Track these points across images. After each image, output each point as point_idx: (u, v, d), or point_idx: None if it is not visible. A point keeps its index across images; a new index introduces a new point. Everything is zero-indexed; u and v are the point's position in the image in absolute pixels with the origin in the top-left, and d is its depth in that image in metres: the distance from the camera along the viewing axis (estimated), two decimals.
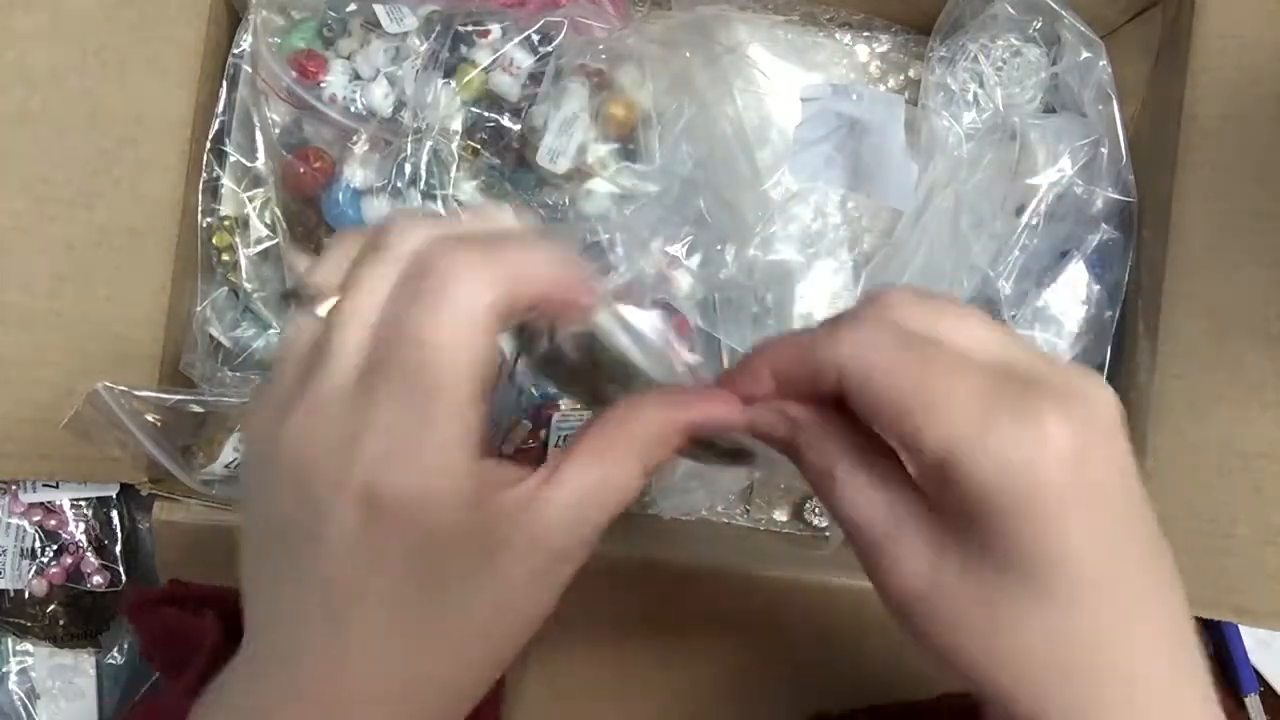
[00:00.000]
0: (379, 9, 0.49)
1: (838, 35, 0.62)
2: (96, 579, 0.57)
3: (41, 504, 0.56)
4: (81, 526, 0.57)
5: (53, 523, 0.56)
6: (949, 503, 0.25)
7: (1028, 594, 0.25)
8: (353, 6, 0.49)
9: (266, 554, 0.27)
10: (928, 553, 0.26)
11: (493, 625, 0.26)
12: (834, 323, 0.26)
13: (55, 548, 0.56)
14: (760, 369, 0.28)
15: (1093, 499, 0.25)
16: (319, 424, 0.25)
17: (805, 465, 0.28)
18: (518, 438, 0.53)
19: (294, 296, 0.27)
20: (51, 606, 0.57)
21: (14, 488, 0.56)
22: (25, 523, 0.56)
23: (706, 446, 0.31)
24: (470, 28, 0.49)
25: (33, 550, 0.56)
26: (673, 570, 0.50)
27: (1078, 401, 0.24)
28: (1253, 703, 0.65)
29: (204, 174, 0.51)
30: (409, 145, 0.48)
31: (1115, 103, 0.55)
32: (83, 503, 0.57)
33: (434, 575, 0.25)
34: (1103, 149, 0.54)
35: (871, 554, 0.27)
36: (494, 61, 0.49)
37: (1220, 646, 0.66)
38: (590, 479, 0.26)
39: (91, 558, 0.57)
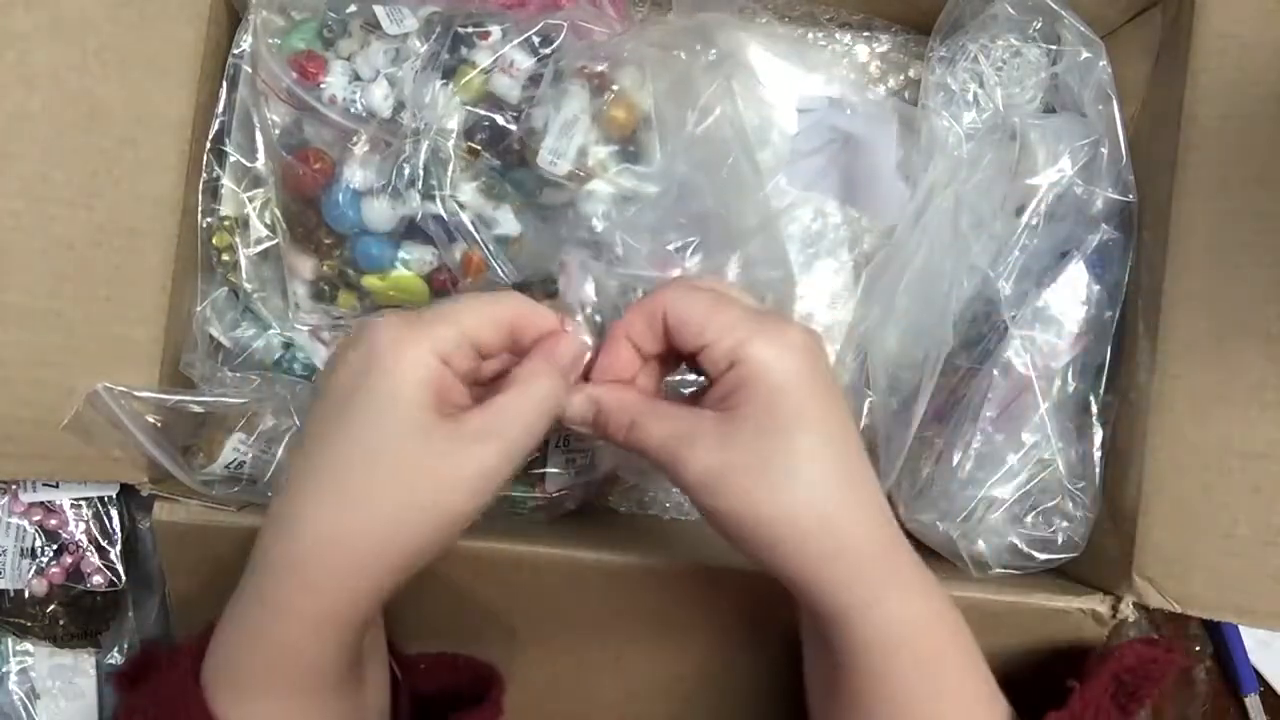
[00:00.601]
0: (379, 10, 0.49)
1: (838, 35, 0.62)
2: (96, 579, 0.57)
3: (41, 503, 0.56)
4: (81, 526, 0.57)
5: (53, 522, 0.56)
6: (730, 397, 0.37)
7: (780, 449, 0.36)
8: (353, 8, 0.49)
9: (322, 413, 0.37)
10: (717, 442, 0.37)
11: (409, 508, 0.35)
12: (656, 289, 0.40)
13: (55, 547, 0.56)
14: (618, 335, 0.40)
15: (815, 378, 0.37)
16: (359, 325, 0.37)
17: (612, 435, 0.39)
18: None
19: None
20: (51, 606, 0.57)
21: (14, 487, 0.56)
22: (25, 522, 0.56)
23: None
24: (470, 29, 0.49)
25: (33, 550, 0.56)
26: (672, 570, 0.50)
27: (802, 325, 0.38)
28: (1253, 703, 0.65)
29: (204, 174, 0.51)
30: (409, 146, 0.48)
31: (1115, 103, 0.55)
32: (83, 502, 0.57)
33: (378, 426, 0.35)
34: (1103, 149, 0.54)
35: (675, 458, 0.37)
36: (494, 63, 0.49)
37: (1220, 646, 0.66)
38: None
39: (91, 557, 0.57)
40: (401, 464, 0.35)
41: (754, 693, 0.56)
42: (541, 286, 0.50)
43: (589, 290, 0.44)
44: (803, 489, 0.36)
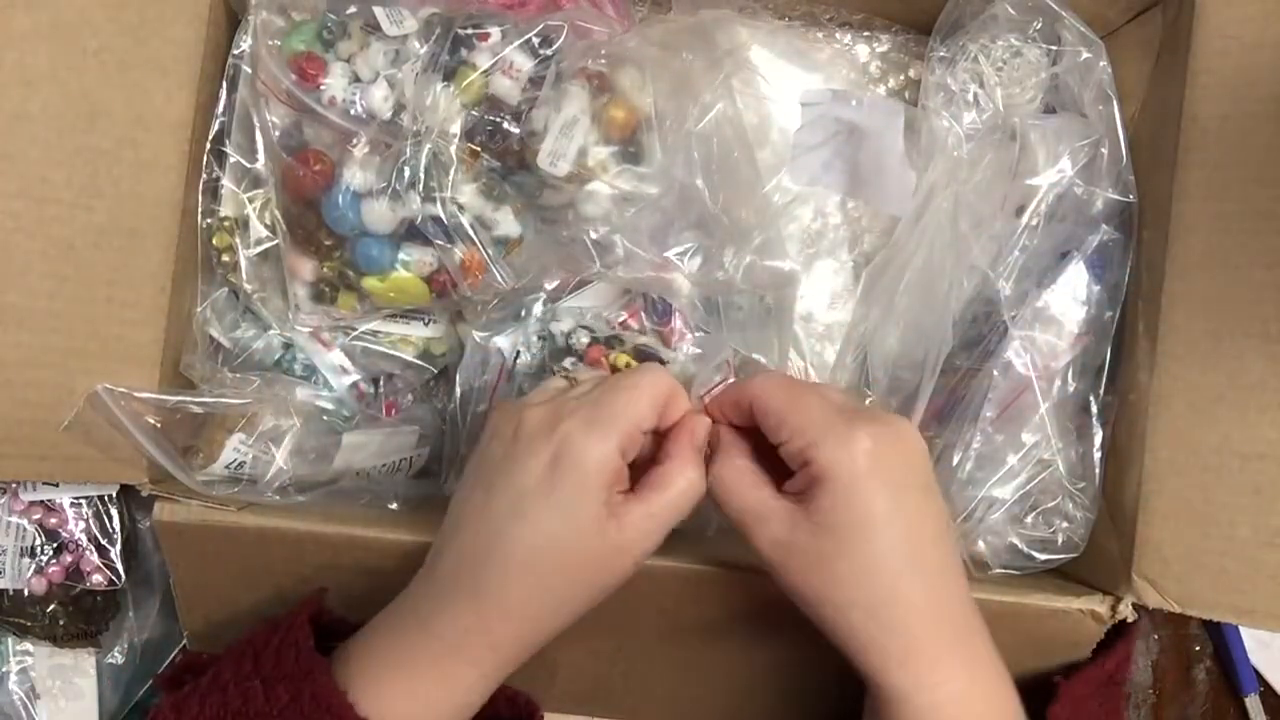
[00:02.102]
0: (379, 11, 0.49)
1: (838, 36, 0.62)
2: (96, 577, 0.57)
3: (41, 502, 0.56)
4: (81, 525, 0.57)
5: (53, 521, 0.56)
6: (802, 487, 0.41)
7: (842, 544, 0.40)
8: (352, 9, 0.49)
9: (482, 479, 0.43)
10: (786, 523, 0.41)
11: (584, 572, 0.42)
12: (753, 375, 0.46)
13: (55, 546, 0.56)
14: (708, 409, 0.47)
15: (882, 478, 0.40)
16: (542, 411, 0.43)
17: (711, 474, 0.44)
18: None
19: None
20: (51, 606, 0.57)
21: (14, 486, 0.56)
22: (25, 521, 0.56)
23: None
24: (470, 30, 0.49)
25: (32, 549, 0.56)
26: (685, 571, 0.50)
27: (880, 423, 0.41)
28: (1253, 703, 0.66)
29: (204, 175, 0.51)
30: (409, 148, 0.48)
31: (1115, 103, 0.55)
32: (83, 501, 0.57)
33: (567, 515, 0.41)
34: (1103, 149, 0.54)
35: (749, 526, 0.42)
36: (494, 64, 0.49)
37: (1220, 646, 0.66)
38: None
39: (91, 556, 0.57)
40: (585, 558, 0.41)
41: (754, 689, 0.57)
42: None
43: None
44: (857, 586, 0.40)
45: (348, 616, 0.47)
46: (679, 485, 0.42)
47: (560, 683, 0.56)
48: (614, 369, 0.53)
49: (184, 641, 0.57)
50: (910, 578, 0.40)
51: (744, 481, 0.43)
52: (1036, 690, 0.49)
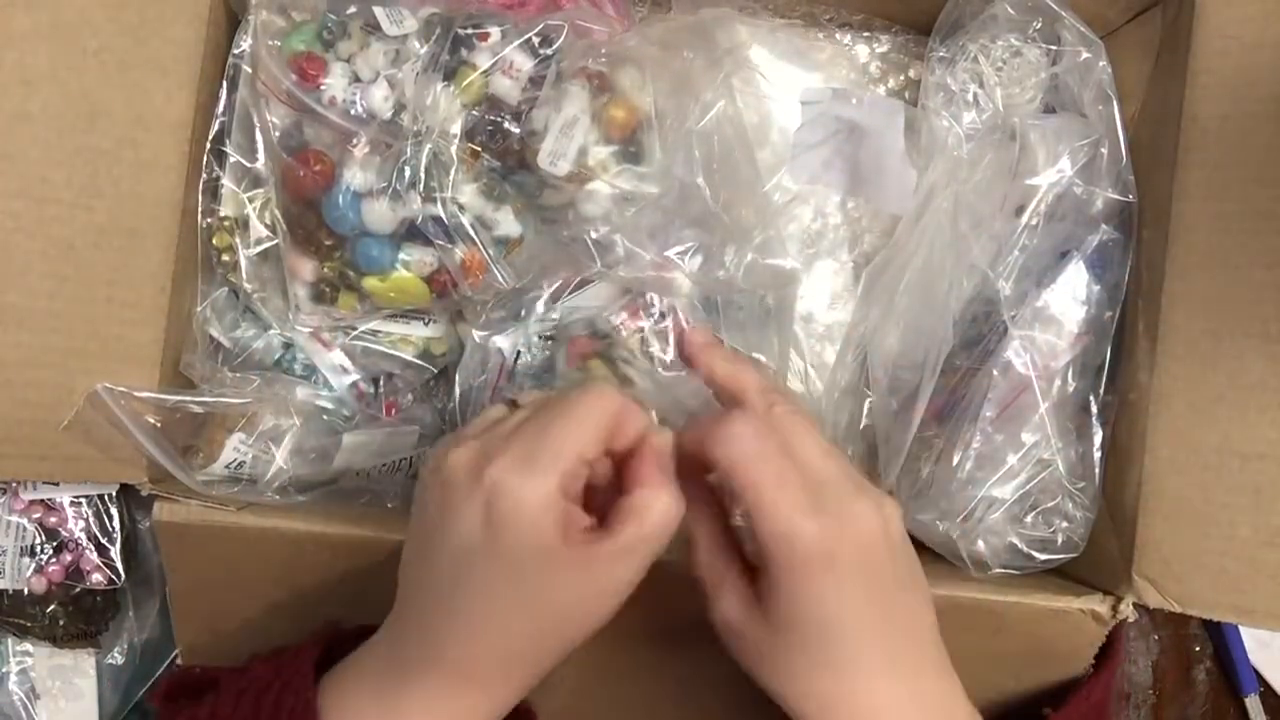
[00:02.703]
0: (379, 11, 0.49)
1: (838, 36, 0.62)
2: (96, 576, 0.57)
3: (41, 501, 0.56)
4: (81, 524, 0.57)
5: (52, 520, 0.56)
6: (762, 564, 0.38)
7: (796, 641, 0.38)
8: (352, 9, 0.49)
9: (418, 540, 0.40)
10: (742, 603, 0.39)
11: (559, 622, 0.38)
12: (719, 423, 0.39)
13: (55, 545, 0.56)
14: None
15: (837, 578, 0.37)
16: (467, 454, 0.38)
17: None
18: None
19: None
20: (51, 606, 0.57)
21: (14, 485, 0.56)
22: (25, 520, 0.56)
23: None
24: (470, 30, 0.49)
25: (32, 548, 0.56)
26: (678, 570, 0.50)
27: (845, 513, 0.38)
28: (1253, 703, 0.65)
29: (204, 174, 0.51)
30: (409, 148, 0.48)
31: (1115, 103, 0.55)
32: (83, 500, 0.57)
33: (518, 572, 0.37)
34: (1103, 149, 0.54)
35: (705, 593, 0.41)
36: (494, 64, 0.49)
37: (1220, 646, 0.66)
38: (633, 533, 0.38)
39: (91, 555, 0.57)
40: (553, 611, 0.38)
41: (752, 691, 0.56)
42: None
43: None
44: (812, 681, 0.38)
45: (351, 631, 0.45)
46: (652, 516, 0.38)
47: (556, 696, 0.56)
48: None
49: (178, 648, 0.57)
50: (876, 678, 0.38)
51: (706, 541, 0.41)
52: (1035, 691, 0.49)
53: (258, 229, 0.52)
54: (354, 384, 0.55)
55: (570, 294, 0.55)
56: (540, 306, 0.54)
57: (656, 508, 0.38)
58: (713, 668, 0.55)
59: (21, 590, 0.56)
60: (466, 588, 0.38)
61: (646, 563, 0.38)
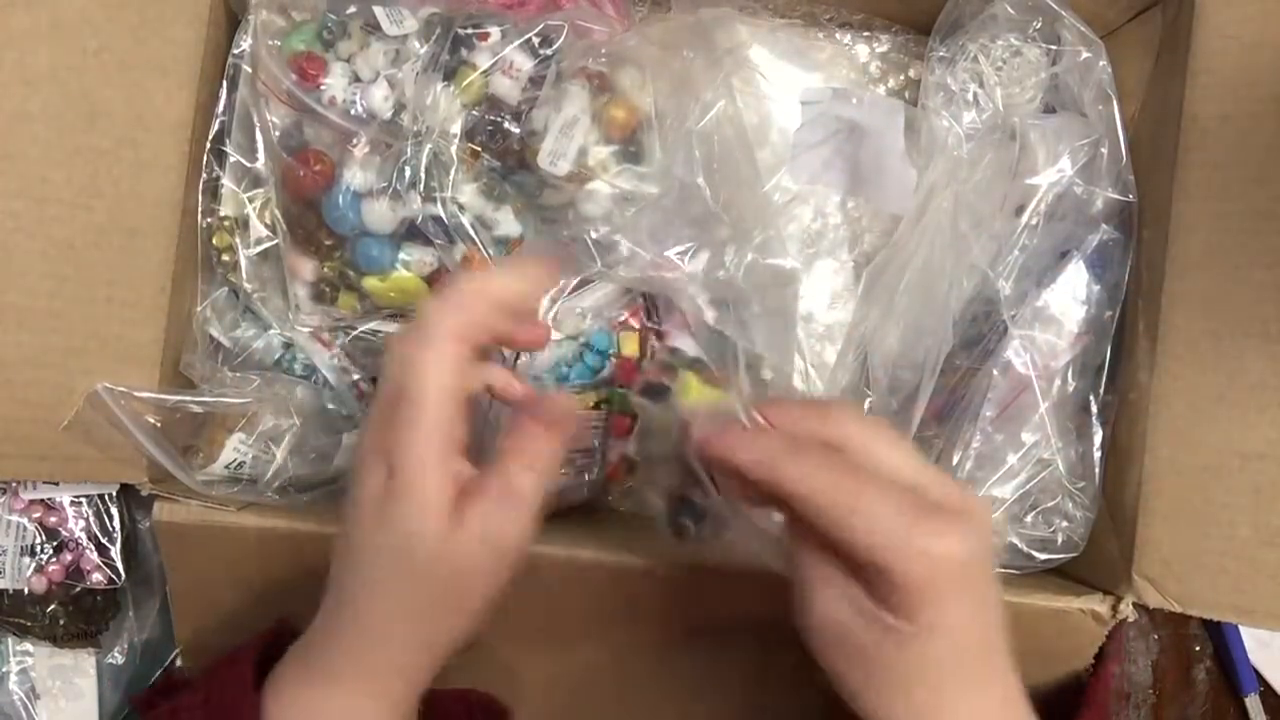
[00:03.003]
0: (379, 11, 0.49)
1: (838, 35, 0.62)
2: (96, 576, 0.57)
3: (41, 501, 0.56)
4: (81, 524, 0.57)
5: (53, 519, 0.56)
6: (868, 576, 0.35)
7: (903, 648, 0.35)
8: (352, 9, 0.49)
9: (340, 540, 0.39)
10: (847, 605, 0.36)
11: (449, 598, 0.37)
12: (790, 448, 0.36)
13: (55, 545, 0.56)
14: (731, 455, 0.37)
15: (963, 588, 0.35)
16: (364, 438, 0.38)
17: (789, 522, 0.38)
18: None
19: None
20: (51, 606, 0.57)
21: (14, 484, 0.56)
22: (25, 520, 0.56)
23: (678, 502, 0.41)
24: (470, 30, 0.49)
25: (32, 548, 0.56)
26: (671, 571, 0.50)
27: (966, 518, 0.35)
28: (1253, 703, 0.65)
29: (204, 174, 0.51)
30: (409, 148, 0.48)
31: (1115, 103, 0.55)
32: (83, 500, 0.57)
33: (408, 556, 0.36)
34: (1103, 149, 0.54)
35: (807, 587, 0.37)
36: (494, 64, 0.49)
37: (1220, 646, 0.66)
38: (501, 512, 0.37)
39: (91, 555, 0.57)
40: (425, 570, 0.36)
41: (754, 692, 0.56)
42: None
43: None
44: (907, 691, 0.36)
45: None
46: (516, 492, 0.37)
47: (550, 694, 0.56)
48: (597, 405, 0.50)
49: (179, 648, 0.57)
50: (964, 691, 0.36)
51: (806, 538, 0.37)
52: (1035, 691, 0.49)
53: (258, 229, 0.52)
54: (354, 384, 0.55)
55: (570, 294, 0.55)
56: (540, 306, 0.54)
57: (519, 486, 0.37)
58: (713, 672, 0.56)
59: (22, 590, 0.56)
60: (358, 529, 0.38)
61: (520, 525, 0.37)
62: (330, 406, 0.55)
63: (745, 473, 0.36)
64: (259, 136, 0.50)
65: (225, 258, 0.52)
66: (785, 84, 0.61)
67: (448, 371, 0.36)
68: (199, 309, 0.52)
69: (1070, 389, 0.53)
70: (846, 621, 0.36)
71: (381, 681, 0.38)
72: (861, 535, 0.34)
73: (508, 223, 0.50)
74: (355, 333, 0.55)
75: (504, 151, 0.49)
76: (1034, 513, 0.53)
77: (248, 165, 0.51)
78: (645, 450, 0.40)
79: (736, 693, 0.57)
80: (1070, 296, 0.53)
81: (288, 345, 0.55)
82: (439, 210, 0.48)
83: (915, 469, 0.36)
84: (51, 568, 0.56)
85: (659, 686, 0.56)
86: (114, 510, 0.57)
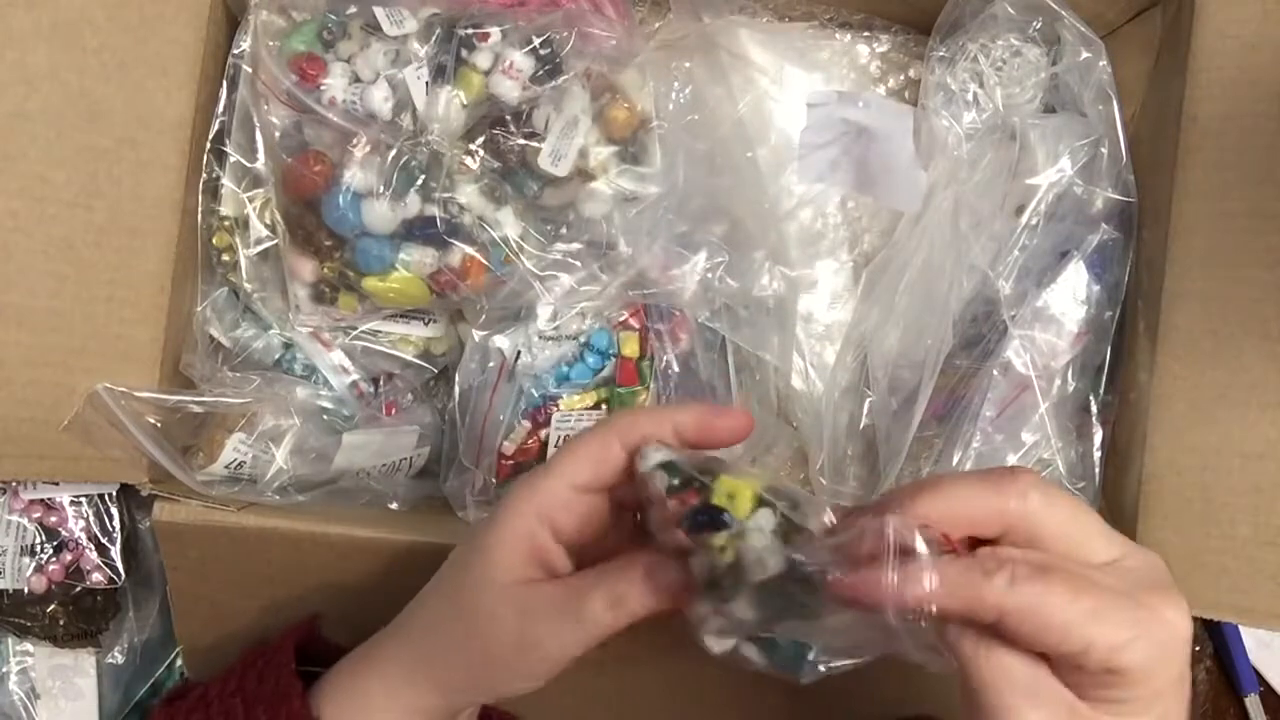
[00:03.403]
0: (379, 12, 0.49)
1: (838, 35, 0.62)
2: (96, 576, 0.57)
3: (41, 500, 0.56)
4: (81, 523, 0.57)
5: (53, 519, 0.56)
6: (1091, 679, 0.31)
7: None
8: (352, 9, 0.49)
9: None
10: (1063, 714, 0.31)
11: (487, 655, 0.37)
12: (983, 566, 0.31)
13: (55, 545, 0.56)
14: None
15: (1181, 673, 0.32)
16: None
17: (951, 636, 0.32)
18: (518, 437, 0.53)
19: None
20: (51, 606, 0.57)
21: (14, 484, 0.56)
22: (25, 519, 0.56)
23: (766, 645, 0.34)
24: (470, 31, 0.49)
25: (32, 548, 0.56)
26: None
27: (1168, 588, 0.32)
28: (1253, 703, 0.65)
29: (204, 174, 0.51)
30: (409, 148, 0.48)
31: (1115, 103, 0.55)
32: (83, 500, 0.57)
33: (458, 589, 0.38)
34: (1103, 149, 0.54)
35: (1009, 703, 0.31)
36: (494, 64, 0.49)
37: (1220, 646, 0.66)
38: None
39: (91, 554, 0.57)
40: (483, 636, 0.37)
41: (750, 696, 0.56)
42: None
43: None
44: None
45: (343, 643, 0.46)
46: (616, 589, 0.35)
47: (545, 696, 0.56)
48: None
49: (178, 648, 0.58)
50: None
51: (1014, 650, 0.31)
52: None
53: (258, 229, 0.51)
54: (354, 384, 0.55)
55: (571, 294, 0.55)
56: (540, 307, 0.54)
57: (621, 586, 0.35)
58: (712, 678, 0.55)
59: (22, 590, 0.56)
60: (434, 592, 0.40)
61: (586, 641, 0.35)
62: (330, 406, 0.55)
63: (940, 613, 0.31)
64: (259, 137, 0.50)
65: (225, 258, 0.52)
66: (785, 84, 0.61)
67: (581, 470, 0.36)
68: (199, 309, 0.52)
69: (1070, 389, 0.53)
70: None
71: (431, 696, 0.39)
72: (1101, 645, 0.30)
73: (508, 223, 0.50)
74: (355, 333, 0.55)
75: (504, 152, 0.49)
76: None
77: (248, 165, 0.51)
78: (718, 596, 0.33)
79: (740, 693, 0.57)
80: (1070, 296, 0.53)
81: (288, 345, 0.55)
82: (439, 210, 0.48)
83: (1107, 539, 0.33)
84: (51, 567, 0.56)
85: (657, 691, 0.56)
86: (114, 510, 0.57)
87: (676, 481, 0.35)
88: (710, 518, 0.33)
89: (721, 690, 0.56)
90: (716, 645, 0.34)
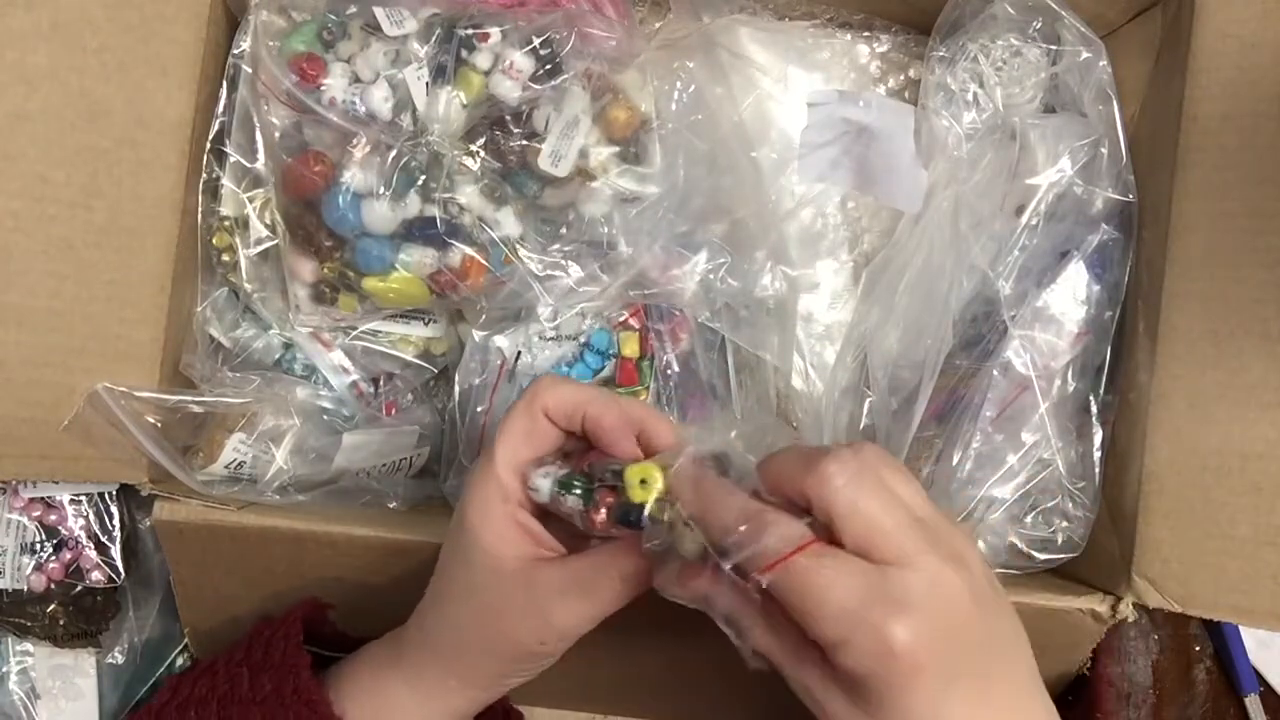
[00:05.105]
0: (379, 12, 0.49)
1: (838, 35, 0.62)
2: (95, 575, 0.56)
3: (41, 499, 0.56)
4: (81, 522, 0.56)
5: (52, 518, 0.56)
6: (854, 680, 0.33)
7: None
8: (352, 9, 0.49)
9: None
10: (845, 703, 0.33)
11: (500, 635, 0.39)
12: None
13: (54, 543, 0.56)
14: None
15: (930, 678, 0.32)
16: None
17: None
18: None
19: None
20: (51, 606, 0.57)
21: (14, 483, 0.56)
22: (25, 518, 0.56)
23: None
24: (470, 31, 0.49)
25: (32, 546, 0.56)
26: None
27: (906, 621, 0.32)
28: (1252, 703, 0.65)
29: (204, 174, 0.51)
30: (409, 149, 0.48)
31: (1115, 103, 0.55)
32: (83, 498, 0.57)
33: (468, 575, 0.39)
34: (1103, 149, 0.54)
35: (805, 694, 0.35)
36: (494, 65, 0.49)
37: (1220, 646, 0.66)
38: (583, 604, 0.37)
39: (90, 553, 0.56)
40: (494, 618, 0.38)
41: (749, 684, 0.56)
42: None
43: None
44: None
45: (349, 631, 0.47)
46: (617, 561, 0.37)
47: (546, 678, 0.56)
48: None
49: (184, 640, 0.58)
50: None
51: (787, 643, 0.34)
52: None
53: (258, 229, 0.51)
54: (354, 384, 0.55)
55: (570, 294, 0.55)
56: (540, 307, 0.54)
57: (625, 559, 0.37)
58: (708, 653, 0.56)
59: (21, 589, 0.56)
60: (441, 580, 0.41)
61: (598, 615, 0.38)
62: (330, 406, 0.55)
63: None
64: (259, 137, 0.50)
65: (225, 258, 0.52)
66: (786, 84, 0.61)
67: (519, 450, 0.38)
68: (199, 309, 0.52)
69: (1070, 389, 0.53)
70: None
71: (453, 685, 0.41)
72: (819, 635, 0.32)
73: (508, 223, 0.50)
74: (355, 333, 0.55)
75: (504, 152, 0.49)
76: (1034, 513, 0.53)
77: (248, 165, 0.51)
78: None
79: (738, 689, 0.57)
80: (1070, 296, 0.53)
81: (288, 345, 0.55)
82: (439, 211, 0.48)
83: (900, 541, 0.33)
84: (51, 566, 0.56)
85: (662, 685, 0.56)
86: (114, 509, 0.57)
87: (580, 492, 0.37)
88: (637, 514, 0.35)
89: (724, 679, 0.56)
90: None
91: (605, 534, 0.37)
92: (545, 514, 0.39)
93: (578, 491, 0.37)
